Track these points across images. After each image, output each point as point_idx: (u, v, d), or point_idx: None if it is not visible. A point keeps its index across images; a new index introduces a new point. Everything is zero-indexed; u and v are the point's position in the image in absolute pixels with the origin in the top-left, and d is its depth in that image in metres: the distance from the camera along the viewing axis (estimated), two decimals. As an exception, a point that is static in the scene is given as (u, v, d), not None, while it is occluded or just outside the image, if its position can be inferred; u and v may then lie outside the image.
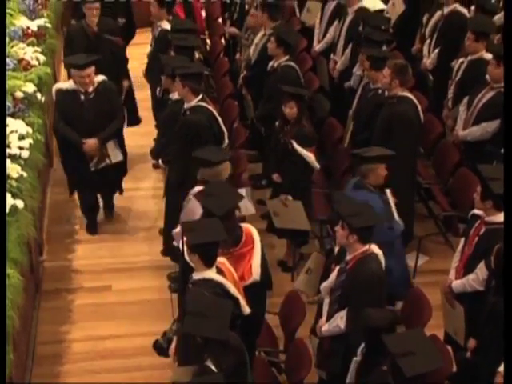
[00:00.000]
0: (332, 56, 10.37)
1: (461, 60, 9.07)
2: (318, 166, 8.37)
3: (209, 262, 6.05)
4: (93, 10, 9.64)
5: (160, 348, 6.45)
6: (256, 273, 6.50)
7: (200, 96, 8.05)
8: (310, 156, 8.26)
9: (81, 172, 8.80)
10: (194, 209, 7.08)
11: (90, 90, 8.56)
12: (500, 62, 8.08)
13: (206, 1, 12.87)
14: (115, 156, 8.80)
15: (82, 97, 8.55)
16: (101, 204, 9.37)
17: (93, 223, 9.22)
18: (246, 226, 6.70)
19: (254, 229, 6.71)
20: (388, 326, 5.64)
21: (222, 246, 6.29)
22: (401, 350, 5.19)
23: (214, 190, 6.70)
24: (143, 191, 9.92)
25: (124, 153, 8.96)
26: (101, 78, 8.64)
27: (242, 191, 7.62)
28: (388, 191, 7.46)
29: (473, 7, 10.02)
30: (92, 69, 8.50)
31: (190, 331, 5.52)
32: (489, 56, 8.55)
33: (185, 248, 6.18)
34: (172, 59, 8.72)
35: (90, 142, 8.58)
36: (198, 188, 7.22)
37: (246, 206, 7.70)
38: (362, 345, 5.86)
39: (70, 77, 9.50)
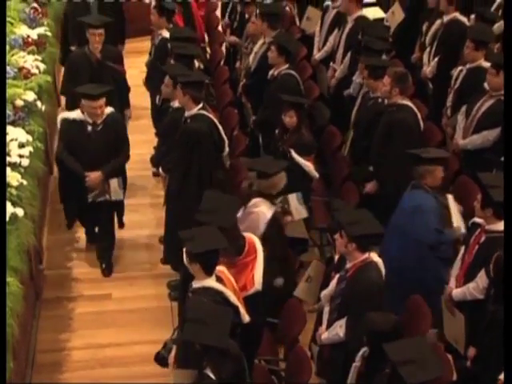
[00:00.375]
0: (331, 64, 10.37)
1: (459, 68, 9.09)
2: (316, 174, 8.35)
3: (209, 271, 6.06)
4: (96, 36, 9.27)
5: (162, 359, 6.44)
6: (258, 282, 6.51)
7: (201, 104, 8.06)
8: (308, 165, 8.25)
9: (79, 203, 8.55)
10: (256, 220, 7.15)
11: (99, 121, 8.29)
12: (499, 71, 8.08)
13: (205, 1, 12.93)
14: (116, 194, 8.49)
15: (90, 128, 8.28)
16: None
17: (93, 234, 9.00)
18: (248, 235, 6.71)
19: (256, 238, 6.72)
20: (391, 330, 5.66)
21: (226, 255, 6.31)
22: (402, 358, 5.19)
23: (212, 203, 6.70)
24: (143, 199, 9.92)
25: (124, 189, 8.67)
26: (109, 109, 8.39)
27: (293, 196, 7.61)
28: (450, 196, 7.41)
29: (473, 16, 10.03)
30: (103, 100, 8.24)
31: (190, 339, 5.52)
32: (487, 64, 8.56)
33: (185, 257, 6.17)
34: (174, 67, 8.71)
35: (93, 176, 8.29)
36: (255, 200, 7.25)
37: (298, 210, 7.68)
38: (362, 350, 5.87)
39: (68, 105, 9.40)
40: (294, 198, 7.68)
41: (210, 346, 5.39)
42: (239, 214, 7.38)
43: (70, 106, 9.20)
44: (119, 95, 9.41)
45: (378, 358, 5.58)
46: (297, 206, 7.65)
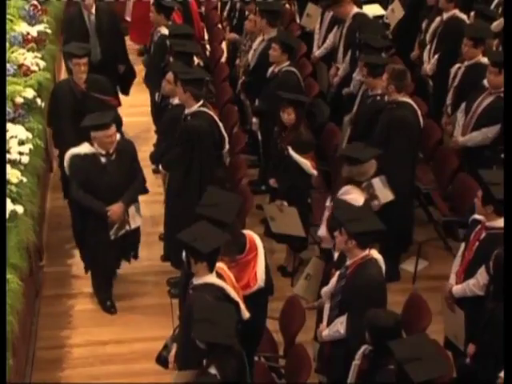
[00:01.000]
0: (334, 63, 10.34)
1: (457, 66, 9.09)
2: (314, 172, 8.33)
3: (213, 268, 6.08)
4: (81, 66, 8.66)
5: (164, 361, 6.43)
6: (261, 279, 6.52)
7: (201, 101, 8.07)
8: (305, 163, 8.24)
9: (101, 243, 7.91)
10: None
11: (111, 150, 7.77)
12: (501, 70, 8.08)
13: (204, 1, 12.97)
14: (135, 221, 8.02)
15: (103, 159, 7.75)
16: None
17: (110, 297, 8.35)
18: (248, 232, 6.72)
19: (256, 235, 6.73)
20: (394, 327, 5.67)
21: (228, 254, 6.32)
22: (407, 356, 5.20)
23: (214, 198, 6.71)
24: (143, 196, 9.85)
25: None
26: (118, 136, 7.92)
27: (377, 180, 7.58)
28: None
29: (472, 13, 10.03)
30: (114, 126, 7.78)
31: (201, 338, 5.48)
32: (485, 60, 8.57)
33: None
34: (176, 65, 8.70)
35: (116, 209, 7.78)
36: (345, 188, 7.23)
37: (383, 193, 7.66)
38: (362, 348, 5.87)
39: (56, 138, 8.96)
40: (378, 182, 7.63)
41: (219, 343, 5.39)
42: (327, 203, 7.37)
43: (60, 140, 8.83)
44: None
45: (381, 354, 5.59)
46: (382, 189, 7.60)
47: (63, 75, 11.44)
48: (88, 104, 8.57)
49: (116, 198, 7.82)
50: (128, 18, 13.08)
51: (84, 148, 7.81)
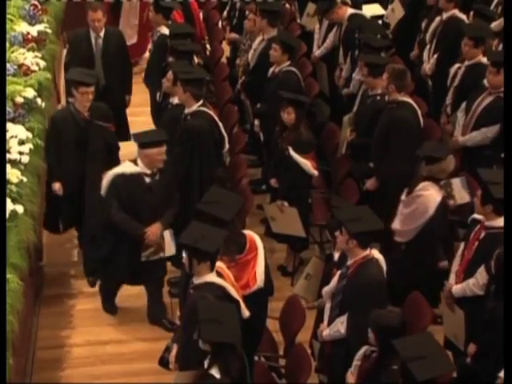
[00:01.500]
0: (338, 65, 10.33)
1: (457, 66, 9.09)
2: (314, 172, 8.35)
3: (214, 266, 6.09)
4: (89, 95, 8.30)
5: (167, 363, 6.42)
6: (260, 279, 6.55)
7: (201, 101, 8.07)
8: (306, 163, 8.26)
9: (129, 263, 7.76)
10: (425, 203, 7.19)
11: (155, 170, 7.58)
12: (500, 70, 8.08)
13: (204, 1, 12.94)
14: (170, 249, 7.69)
15: (148, 179, 7.57)
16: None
17: (112, 301, 8.28)
18: (248, 233, 6.73)
19: (256, 235, 6.74)
20: (398, 326, 5.70)
21: (228, 254, 6.32)
22: (411, 354, 5.20)
23: (215, 197, 6.71)
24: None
25: None
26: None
27: (457, 180, 7.61)
28: None
29: (472, 13, 10.03)
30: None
31: (209, 338, 5.48)
32: (485, 60, 8.57)
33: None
34: (177, 64, 8.68)
35: (155, 229, 7.58)
36: (423, 184, 7.26)
37: (461, 194, 7.67)
38: (363, 349, 5.87)
39: (51, 174, 8.55)
40: (457, 183, 7.67)
41: (225, 343, 5.40)
42: (403, 197, 7.39)
43: (60, 170, 8.46)
44: (109, 156, 8.44)
45: (386, 353, 5.59)
46: (460, 190, 7.63)
47: (63, 75, 11.41)
48: (92, 132, 8.36)
49: (155, 219, 7.63)
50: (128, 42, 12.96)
51: (128, 167, 7.62)
